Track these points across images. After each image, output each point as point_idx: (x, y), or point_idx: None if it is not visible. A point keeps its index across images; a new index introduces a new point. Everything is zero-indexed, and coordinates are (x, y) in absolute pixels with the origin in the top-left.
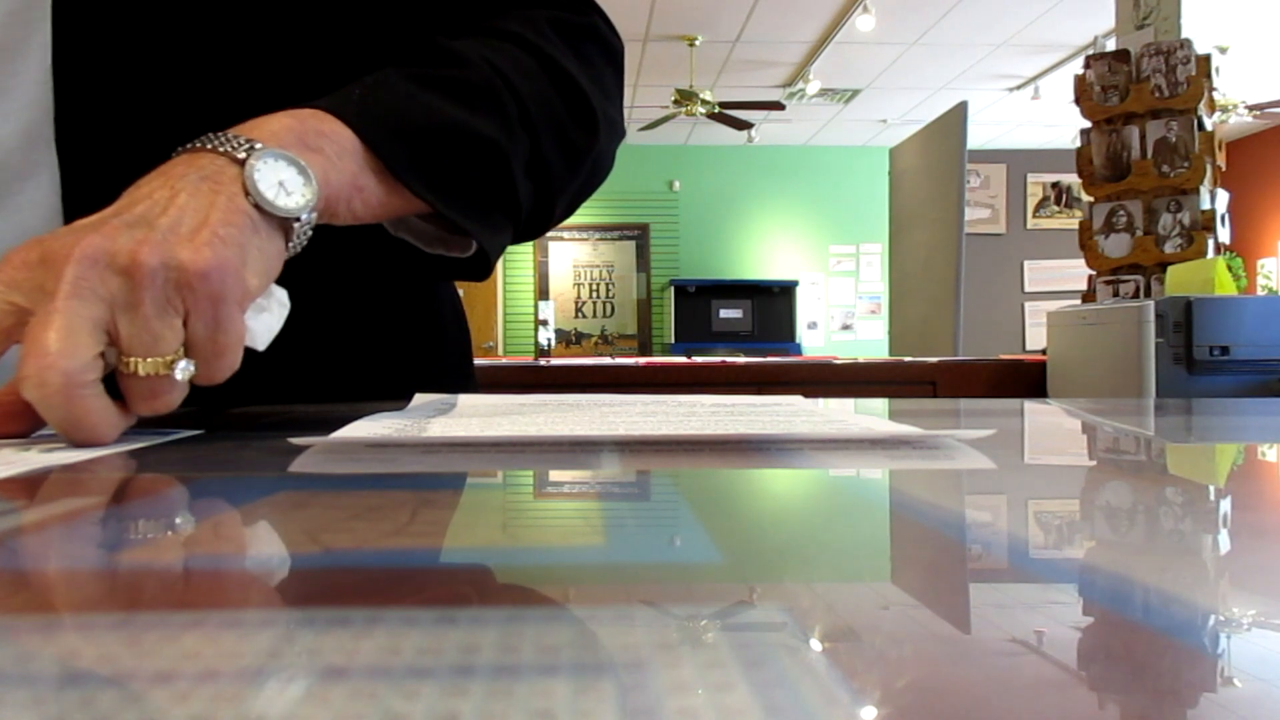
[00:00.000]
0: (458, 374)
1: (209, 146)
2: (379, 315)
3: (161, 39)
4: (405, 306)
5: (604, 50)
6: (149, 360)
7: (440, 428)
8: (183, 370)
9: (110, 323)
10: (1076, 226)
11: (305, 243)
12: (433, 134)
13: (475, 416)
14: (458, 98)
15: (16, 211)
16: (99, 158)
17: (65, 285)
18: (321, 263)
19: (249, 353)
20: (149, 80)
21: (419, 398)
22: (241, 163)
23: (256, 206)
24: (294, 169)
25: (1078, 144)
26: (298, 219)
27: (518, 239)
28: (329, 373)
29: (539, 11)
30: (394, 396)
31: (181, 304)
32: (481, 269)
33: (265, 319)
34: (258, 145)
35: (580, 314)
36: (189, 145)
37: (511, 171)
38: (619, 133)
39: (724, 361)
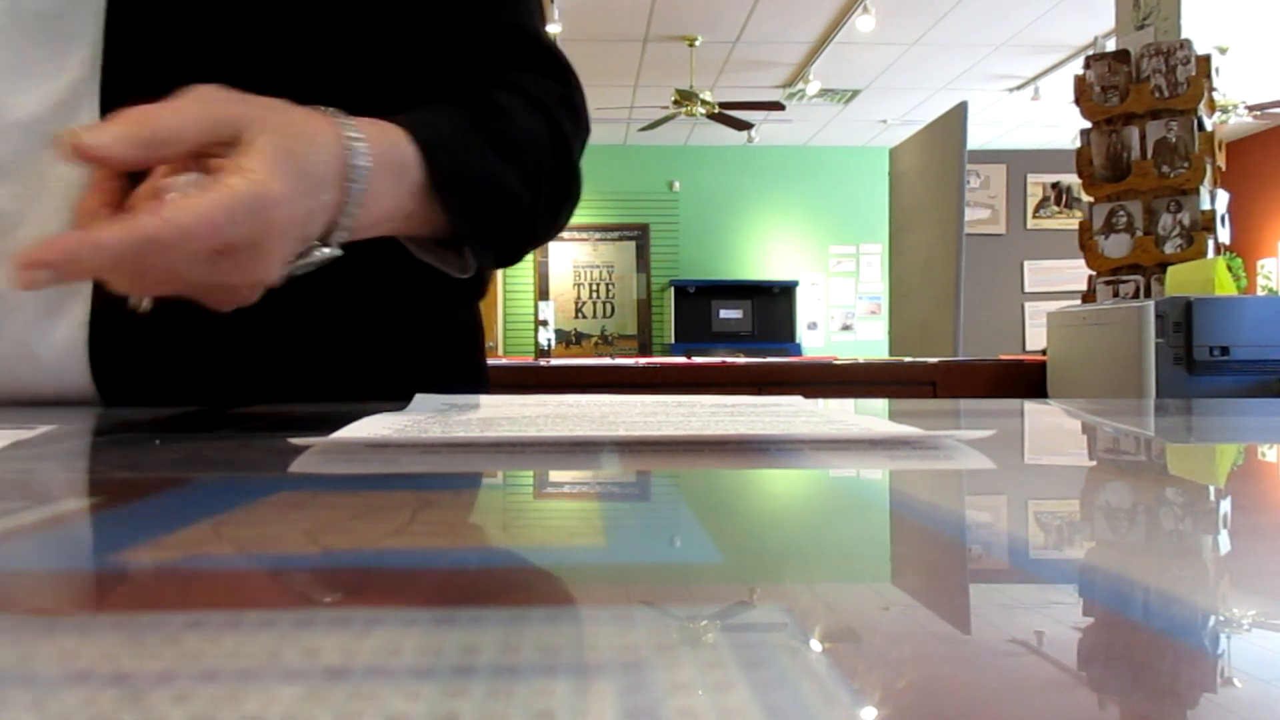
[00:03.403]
0: (468, 371)
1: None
2: (390, 310)
3: (209, 29)
4: (421, 298)
5: (584, 126)
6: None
7: (440, 428)
8: None
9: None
10: (1076, 227)
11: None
12: (483, 183)
13: (475, 417)
14: (504, 152)
15: (38, 175)
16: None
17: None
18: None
19: (259, 347)
20: (195, 60)
21: (419, 398)
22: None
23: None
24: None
25: (1078, 144)
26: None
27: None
28: (339, 369)
29: (554, 87)
30: (403, 393)
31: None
32: (474, 293)
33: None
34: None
35: (580, 314)
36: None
37: (521, 221)
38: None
39: (724, 362)
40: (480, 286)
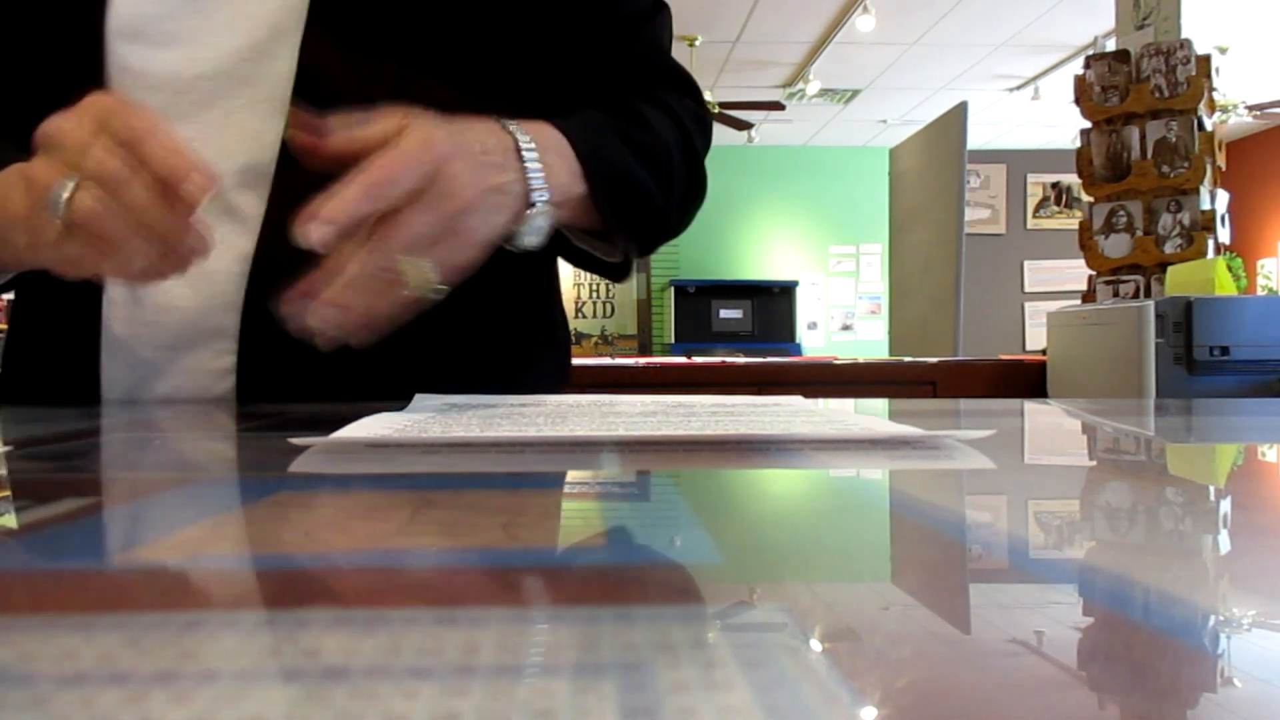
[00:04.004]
0: (559, 371)
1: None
2: (500, 305)
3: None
4: (525, 298)
5: (709, 139)
6: None
7: (441, 428)
8: None
9: None
10: (1076, 226)
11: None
12: (626, 181)
13: (475, 417)
14: (642, 156)
15: (228, 115)
16: (335, 73)
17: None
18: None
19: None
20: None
21: (419, 398)
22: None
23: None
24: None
25: (1078, 144)
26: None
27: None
28: (458, 365)
29: (689, 104)
30: (506, 388)
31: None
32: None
33: None
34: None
35: (580, 314)
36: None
37: (656, 215)
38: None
39: (724, 362)
40: (626, 270)
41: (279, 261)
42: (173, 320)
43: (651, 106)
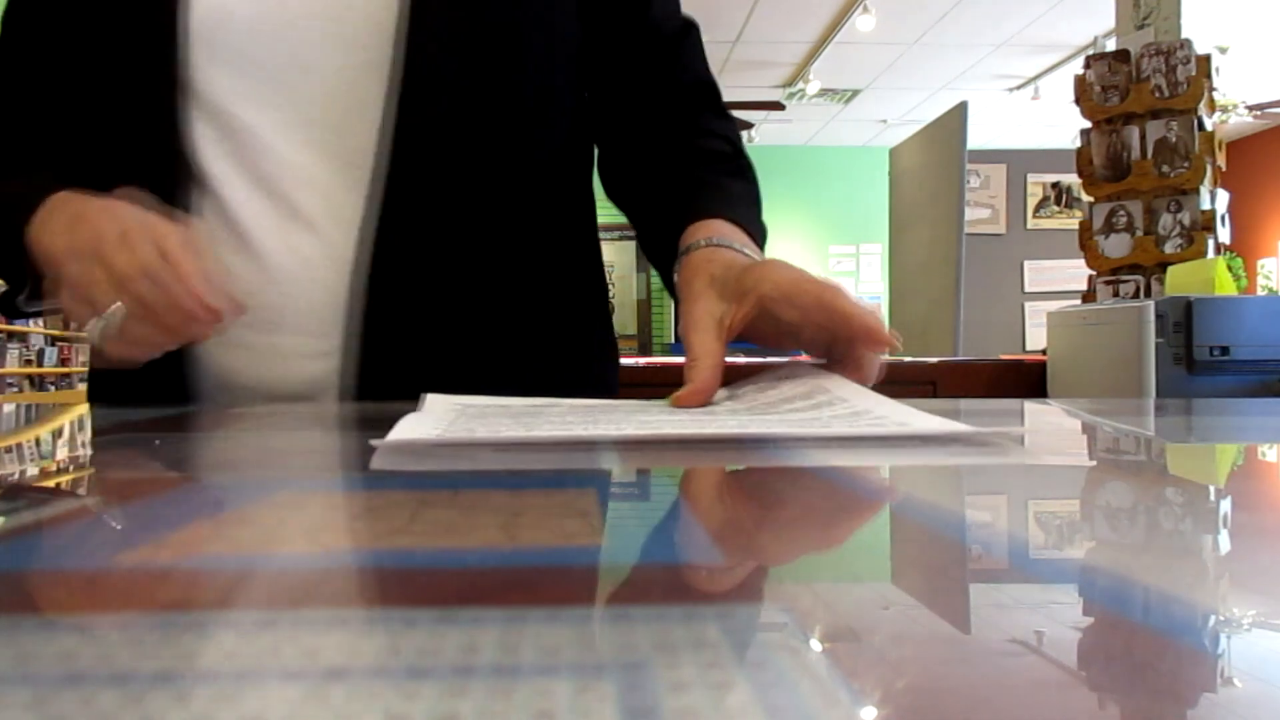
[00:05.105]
0: (610, 377)
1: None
2: (563, 306)
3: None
4: (590, 300)
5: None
6: None
7: (452, 429)
8: None
9: None
10: (1076, 226)
11: None
12: (757, 205)
13: (482, 418)
14: (751, 181)
15: (339, 152)
16: (429, 109)
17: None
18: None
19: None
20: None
21: (431, 399)
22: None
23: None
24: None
25: (1078, 144)
26: None
27: None
28: (511, 355)
29: (731, 125)
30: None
31: None
32: None
33: None
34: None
35: None
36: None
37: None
38: None
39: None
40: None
41: (388, 254)
42: (268, 302)
43: (722, 140)
